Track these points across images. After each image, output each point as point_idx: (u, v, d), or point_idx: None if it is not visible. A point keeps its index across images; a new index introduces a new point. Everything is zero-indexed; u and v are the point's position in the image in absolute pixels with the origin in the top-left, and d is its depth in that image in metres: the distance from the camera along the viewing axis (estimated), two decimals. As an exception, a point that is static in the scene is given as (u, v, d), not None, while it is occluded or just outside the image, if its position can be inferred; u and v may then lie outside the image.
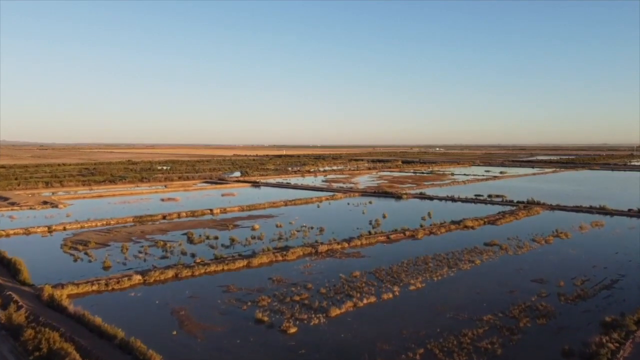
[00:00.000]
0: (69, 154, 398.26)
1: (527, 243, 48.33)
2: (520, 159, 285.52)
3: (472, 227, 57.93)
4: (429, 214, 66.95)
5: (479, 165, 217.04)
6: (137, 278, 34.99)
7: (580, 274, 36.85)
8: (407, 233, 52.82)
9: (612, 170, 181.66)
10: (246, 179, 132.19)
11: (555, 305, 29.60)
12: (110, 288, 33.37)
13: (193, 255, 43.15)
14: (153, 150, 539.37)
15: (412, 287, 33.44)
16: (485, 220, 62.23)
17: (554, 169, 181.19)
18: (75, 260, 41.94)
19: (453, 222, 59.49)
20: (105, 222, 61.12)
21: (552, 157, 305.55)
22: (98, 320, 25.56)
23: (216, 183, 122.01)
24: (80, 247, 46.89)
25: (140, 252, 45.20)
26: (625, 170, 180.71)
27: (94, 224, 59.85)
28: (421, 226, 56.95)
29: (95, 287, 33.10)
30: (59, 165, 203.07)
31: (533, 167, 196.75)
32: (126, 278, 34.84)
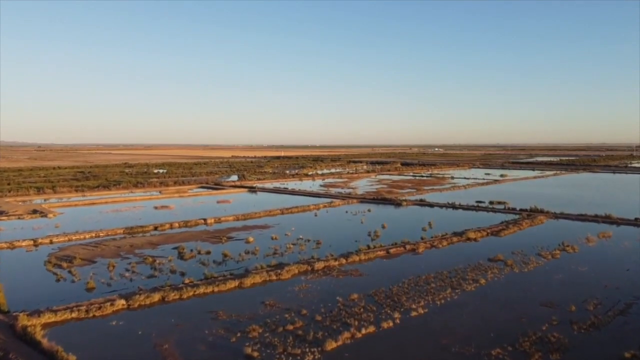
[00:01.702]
0: (66, 156, 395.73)
1: (533, 258, 46.18)
2: (520, 161, 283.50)
3: (475, 239, 55.85)
4: (429, 224, 64.70)
5: (478, 167, 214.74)
6: (121, 303, 32.75)
7: (591, 296, 34.58)
8: (408, 247, 50.68)
9: (614, 173, 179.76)
10: (243, 183, 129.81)
11: (568, 336, 27.38)
12: (91, 315, 31.13)
13: (182, 274, 40.88)
14: (151, 152, 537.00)
15: (413, 313, 31.24)
16: (488, 231, 60.15)
17: (554, 172, 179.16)
18: (57, 280, 39.64)
19: (455, 234, 57.37)
20: (94, 234, 58.91)
21: (552, 159, 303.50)
22: (72, 358, 23.64)
23: (212, 188, 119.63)
24: (65, 265, 44.68)
25: (127, 269, 42.90)
26: (626, 173, 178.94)
27: (82, 236, 57.66)
28: (422, 238, 54.83)
29: (74, 315, 30.89)
30: (53, 168, 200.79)
31: (534, 170, 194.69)
32: (109, 303, 32.68)
